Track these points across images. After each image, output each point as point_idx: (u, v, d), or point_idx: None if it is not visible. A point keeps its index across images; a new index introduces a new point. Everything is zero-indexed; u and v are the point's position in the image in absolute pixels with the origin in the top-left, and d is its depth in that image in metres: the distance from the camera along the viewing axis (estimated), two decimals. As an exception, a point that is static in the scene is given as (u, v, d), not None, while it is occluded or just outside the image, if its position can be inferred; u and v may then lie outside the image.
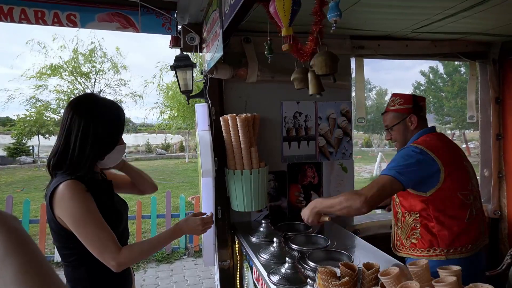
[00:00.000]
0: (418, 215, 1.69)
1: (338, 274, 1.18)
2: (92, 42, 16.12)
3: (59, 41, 19.76)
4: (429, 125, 1.90)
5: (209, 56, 2.14)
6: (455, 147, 1.82)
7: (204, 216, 1.57)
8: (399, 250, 1.84)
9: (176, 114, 15.16)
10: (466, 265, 1.54)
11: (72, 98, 1.43)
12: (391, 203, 1.94)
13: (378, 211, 4.53)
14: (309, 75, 1.57)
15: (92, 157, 1.34)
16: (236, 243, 2.43)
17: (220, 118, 2.25)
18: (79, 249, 1.30)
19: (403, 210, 1.77)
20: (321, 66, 1.39)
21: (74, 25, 2.13)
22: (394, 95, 1.92)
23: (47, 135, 17.43)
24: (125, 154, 1.56)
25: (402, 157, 1.63)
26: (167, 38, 2.50)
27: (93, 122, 1.33)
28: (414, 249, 1.72)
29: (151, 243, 1.43)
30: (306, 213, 1.82)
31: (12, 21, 2.01)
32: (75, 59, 15.96)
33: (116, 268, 1.30)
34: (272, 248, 1.83)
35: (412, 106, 1.84)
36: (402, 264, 1.63)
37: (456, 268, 0.96)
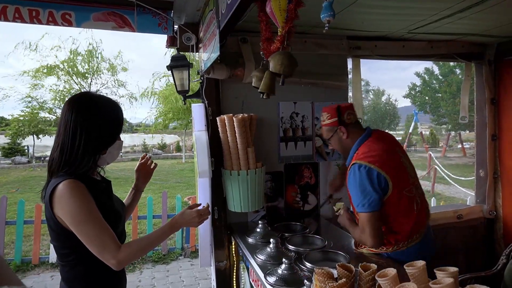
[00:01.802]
0: None
1: (335, 275, 1.18)
2: (90, 44, 16.10)
3: (52, 39, 19.66)
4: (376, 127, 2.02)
5: (205, 56, 2.13)
6: (391, 144, 1.91)
7: (200, 208, 1.56)
8: (360, 248, 1.91)
9: (170, 116, 15.17)
10: (423, 246, 1.82)
11: (70, 96, 1.43)
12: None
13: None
14: (265, 73, 1.53)
15: (95, 151, 1.36)
16: (233, 243, 2.42)
17: (217, 118, 2.24)
18: (77, 249, 1.30)
19: None
20: (276, 65, 1.35)
21: (69, 24, 2.11)
22: (323, 109, 2.00)
23: (42, 135, 17.33)
24: (121, 154, 1.57)
25: (359, 189, 1.73)
26: (163, 38, 2.49)
27: (95, 120, 1.34)
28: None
29: (149, 239, 1.43)
30: (343, 223, 2.00)
31: (6, 20, 1.99)
32: (72, 59, 15.90)
33: (116, 266, 1.30)
34: (268, 249, 1.82)
35: (337, 119, 1.92)
36: (399, 266, 1.63)
37: (454, 269, 0.96)
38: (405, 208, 1.78)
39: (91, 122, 1.33)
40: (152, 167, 1.82)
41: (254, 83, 1.65)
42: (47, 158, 1.45)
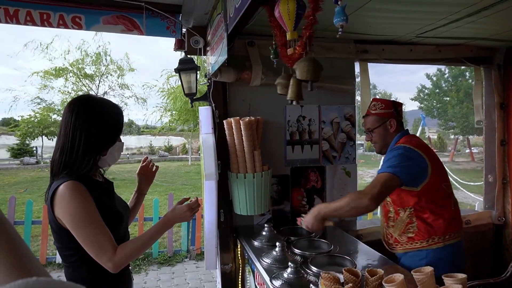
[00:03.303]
0: (412, 209, 1.80)
1: (342, 280, 1.17)
2: (99, 46, 16.30)
3: (62, 42, 19.93)
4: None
5: (213, 59, 2.14)
6: (429, 146, 1.99)
7: (189, 202, 1.57)
8: (394, 248, 1.93)
9: (177, 118, 15.19)
10: (459, 248, 1.84)
11: (71, 99, 1.44)
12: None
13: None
14: (291, 80, 1.56)
15: (95, 152, 1.37)
16: (239, 246, 2.42)
17: (224, 121, 2.25)
18: (79, 250, 1.31)
19: (395, 207, 1.87)
20: (302, 72, 1.38)
21: (79, 27, 2.13)
22: (375, 99, 2.04)
23: (51, 136, 17.52)
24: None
25: (395, 157, 1.74)
26: (171, 41, 2.50)
27: (94, 121, 1.35)
28: (412, 243, 1.83)
29: (144, 239, 1.43)
30: (309, 220, 1.87)
31: (18, 23, 2.02)
32: (81, 61, 16.08)
33: (113, 269, 1.30)
34: (274, 253, 1.82)
35: (392, 111, 1.98)
36: (406, 271, 1.62)
37: (462, 276, 0.95)
38: (441, 200, 1.80)
39: (90, 123, 1.34)
40: (153, 169, 1.82)
41: (280, 91, 1.73)
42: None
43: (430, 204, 1.77)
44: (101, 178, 1.51)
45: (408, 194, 1.79)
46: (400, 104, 2.04)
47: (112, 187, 1.55)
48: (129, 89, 17.80)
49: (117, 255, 1.30)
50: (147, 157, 1.87)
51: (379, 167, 1.85)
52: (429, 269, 0.97)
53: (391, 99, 2.07)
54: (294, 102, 1.59)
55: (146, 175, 1.80)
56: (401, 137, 1.93)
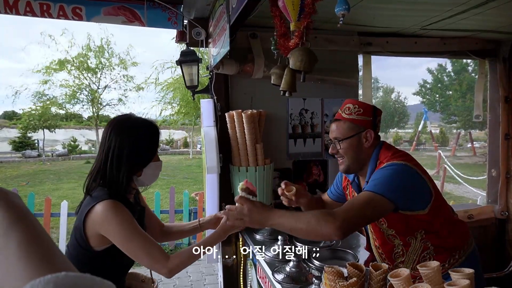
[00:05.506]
0: (423, 231, 1.51)
1: (345, 275, 1.16)
2: (102, 38, 16.27)
3: (67, 35, 19.90)
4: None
5: (215, 51, 2.12)
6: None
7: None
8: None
9: (177, 110, 15.11)
10: (477, 255, 1.60)
11: (110, 119, 1.47)
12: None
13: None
14: (285, 70, 1.52)
15: (127, 172, 1.38)
16: (240, 240, 2.41)
17: (226, 114, 2.23)
18: (85, 267, 1.30)
19: (404, 238, 1.54)
20: (296, 61, 1.33)
21: (80, 18, 2.11)
22: (350, 101, 1.60)
23: (52, 129, 17.55)
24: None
25: (388, 176, 1.38)
26: (172, 33, 2.48)
27: (127, 139, 1.38)
28: None
29: (197, 247, 1.48)
30: (247, 221, 1.40)
31: (17, 13, 2.00)
32: (85, 55, 16.04)
33: (168, 275, 1.39)
34: (276, 246, 1.81)
35: (371, 119, 1.55)
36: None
37: (469, 271, 0.93)
38: (448, 213, 1.56)
39: (122, 143, 1.37)
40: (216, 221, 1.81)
41: (274, 81, 1.67)
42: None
43: (441, 220, 1.51)
44: (133, 198, 1.52)
45: (416, 219, 1.47)
46: (381, 113, 1.62)
47: (144, 212, 1.58)
48: (132, 82, 17.74)
49: (170, 262, 1.37)
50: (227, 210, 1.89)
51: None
52: (435, 263, 0.96)
53: (372, 104, 1.63)
54: (287, 93, 1.51)
55: (217, 221, 1.80)
56: (380, 152, 1.55)
